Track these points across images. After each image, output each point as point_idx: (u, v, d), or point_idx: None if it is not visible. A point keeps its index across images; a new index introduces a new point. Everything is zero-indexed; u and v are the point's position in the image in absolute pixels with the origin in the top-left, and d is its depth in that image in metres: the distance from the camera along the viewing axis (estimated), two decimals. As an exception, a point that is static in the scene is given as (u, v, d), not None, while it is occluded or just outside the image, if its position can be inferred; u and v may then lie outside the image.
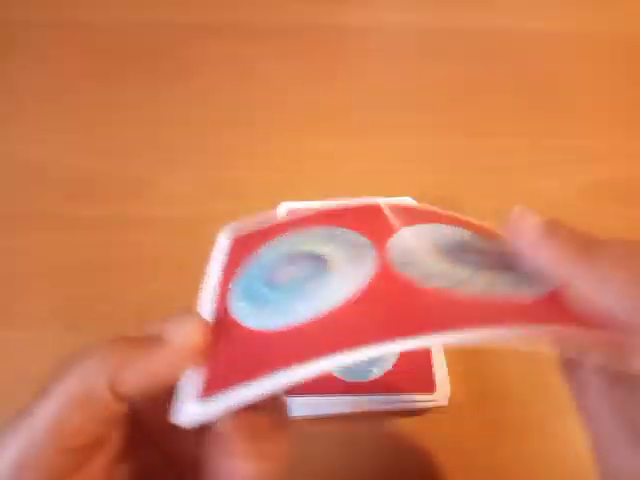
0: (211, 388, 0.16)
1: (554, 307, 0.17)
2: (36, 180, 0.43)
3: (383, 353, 0.15)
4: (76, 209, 0.41)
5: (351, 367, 0.32)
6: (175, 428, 0.15)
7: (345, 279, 0.18)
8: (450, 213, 0.23)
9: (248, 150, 0.44)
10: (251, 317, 0.18)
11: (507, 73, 0.50)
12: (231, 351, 0.17)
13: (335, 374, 0.31)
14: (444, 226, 0.22)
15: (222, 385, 0.16)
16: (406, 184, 0.42)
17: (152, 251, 0.39)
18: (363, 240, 0.20)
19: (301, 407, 0.31)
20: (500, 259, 0.19)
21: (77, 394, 0.15)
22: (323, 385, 0.31)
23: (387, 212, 0.22)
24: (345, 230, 0.21)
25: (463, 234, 0.21)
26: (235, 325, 0.18)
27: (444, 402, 0.31)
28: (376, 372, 0.31)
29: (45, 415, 0.15)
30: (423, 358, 0.32)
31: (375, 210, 0.23)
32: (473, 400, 0.33)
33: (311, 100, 0.48)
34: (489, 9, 0.55)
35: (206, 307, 0.19)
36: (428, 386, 0.31)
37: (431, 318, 0.16)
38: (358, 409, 0.31)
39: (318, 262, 0.20)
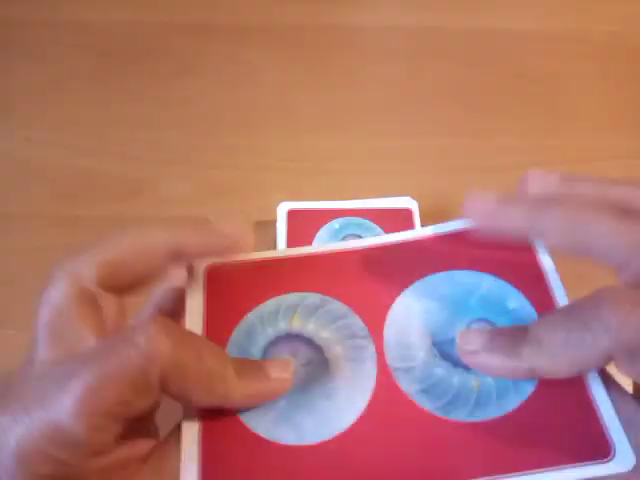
0: None
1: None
2: (36, 180, 0.43)
3: None
4: (76, 209, 0.41)
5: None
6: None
7: (350, 395, 0.18)
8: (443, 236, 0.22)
9: (248, 150, 0.44)
10: (255, 419, 0.18)
11: (507, 73, 0.50)
12: (233, 455, 0.17)
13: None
14: (435, 280, 0.21)
15: None
16: (406, 184, 0.42)
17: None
18: (361, 328, 0.20)
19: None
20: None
21: (69, 297, 0.17)
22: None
23: (381, 263, 0.22)
24: (340, 307, 0.21)
25: (452, 288, 0.20)
26: (237, 423, 0.18)
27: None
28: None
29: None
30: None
31: (369, 259, 0.22)
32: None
33: (311, 100, 0.48)
34: (489, 9, 0.55)
35: None
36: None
37: (445, 465, 0.16)
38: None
39: (318, 356, 0.19)
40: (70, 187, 0.42)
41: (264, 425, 0.18)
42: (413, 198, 0.38)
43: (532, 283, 0.20)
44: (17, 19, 0.53)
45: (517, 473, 0.16)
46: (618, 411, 0.17)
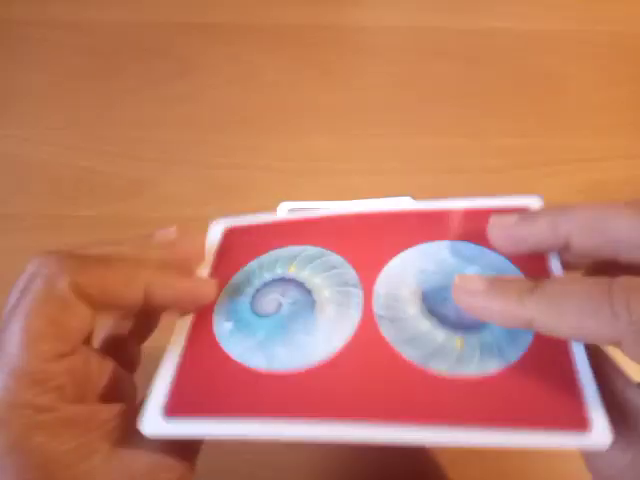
0: (179, 406, 0.17)
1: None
2: (36, 180, 0.43)
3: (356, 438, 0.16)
4: (76, 209, 0.41)
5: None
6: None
7: (329, 333, 0.19)
8: (448, 210, 0.22)
9: (248, 150, 0.44)
10: (233, 344, 0.19)
11: (507, 73, 0.50)
12: (206, 372, 0.18)
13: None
14: (436, 247, 0.21)
15: (190, 408, 0.17)
16: (406, 184, 0.42)
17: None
18: (353, 278, 0.21)
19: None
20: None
21: (42, 301, 0.17)
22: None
23: (378, 230, 0.22)
24: (339, 260, 0.21)
25: (452, 258, 0.21)
26: (216, 346, 0.19)
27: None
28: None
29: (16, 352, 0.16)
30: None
31: (374, 224, 0.23)
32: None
33: (311, 100, 0.48)
34: (489, 9, 0.55)
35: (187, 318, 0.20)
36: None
37: (415, 405, 0.17)
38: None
39: (306, 297, 0.20)
40: (70, 187, 0.42)
41: (240, 350, 0.19)
42: (413, 198, 0.38)
43: (532, 263, 0.20)
44: (17, 19, 0.53)
45: (485, 428, 0.16)
46: (609, 384, 0.17)
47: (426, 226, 0.22)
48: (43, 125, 0.46)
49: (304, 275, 0.21)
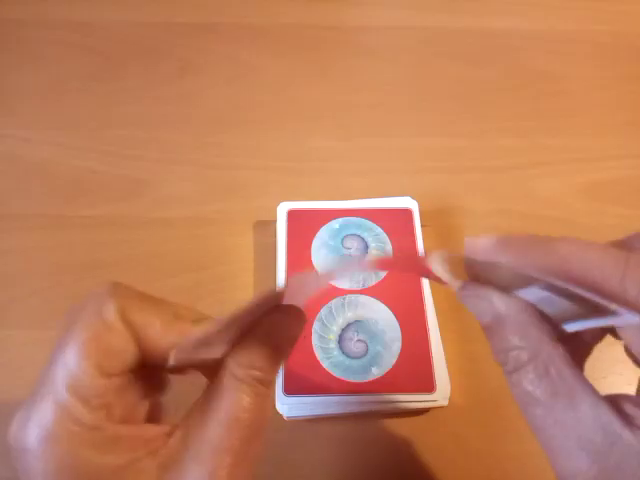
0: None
1: None
2: (36, 180, 0.43)
3: None
4: (76, 209, 0.41)
5: (351, 367, 0.32)
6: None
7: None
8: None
9: (248, 150, 0.44)
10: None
11: (507, 73, 0.50)
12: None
13: (335, 374, 0.31)
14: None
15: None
16: (406, 184, 0.42)
17: (152, 251, 0.39)
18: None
19: (301, 407, 0.31)
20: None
21: (93, 327, 0.17)
22: (323, 385, 0.31)
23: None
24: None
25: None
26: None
27: (444, 402, 0.31)
28: (376, 372, 0.31)
29: (64, 373, 0.16)
30: (423, 358, 0.32)
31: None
32: (473, 400, 0.33)
33: (311, 100, 0.48)
34: (489, 9, 0.55)
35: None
36: (428, 386, 0.31)
37: None
38: (358, 409, 0.31)
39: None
40: (70, 187, 0.42)
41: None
42: (413, 198, 0.38)
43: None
44: (17, 19, 0.53)
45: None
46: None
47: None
48: (43, 125, 0.46)
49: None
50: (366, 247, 0.36)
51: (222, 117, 0.46)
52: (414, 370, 0.32)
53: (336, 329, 0.33)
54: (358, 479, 0.31)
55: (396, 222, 0.37)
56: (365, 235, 0.37)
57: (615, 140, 0.45)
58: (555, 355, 0.16)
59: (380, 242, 0.36)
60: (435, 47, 0.52)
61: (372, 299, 0.34)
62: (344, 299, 0.34)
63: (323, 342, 0.32)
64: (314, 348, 0.32)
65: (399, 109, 0.47)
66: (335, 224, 0.37)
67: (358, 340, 0.33)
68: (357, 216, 0.37)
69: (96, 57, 0.51)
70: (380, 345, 0.32)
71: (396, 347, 0.32)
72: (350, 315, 0.33)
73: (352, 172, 0.43)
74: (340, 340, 0.33)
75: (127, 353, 0.17)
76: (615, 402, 0.16)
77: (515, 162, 0.44)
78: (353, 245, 0.36)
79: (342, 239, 0.36)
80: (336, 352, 0.32)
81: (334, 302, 0.34)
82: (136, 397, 0.18)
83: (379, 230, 0.37)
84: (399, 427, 0.32)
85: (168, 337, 0.18)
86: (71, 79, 0.49)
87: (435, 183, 0.42)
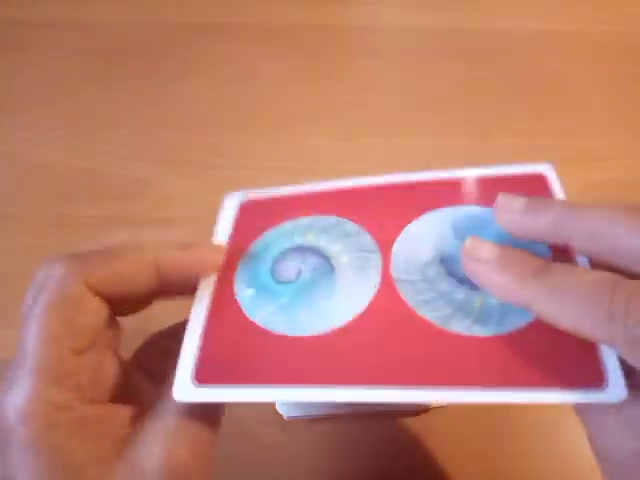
0: (208, 372, 0.18)
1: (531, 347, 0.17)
2: (36, 180, 0.43)
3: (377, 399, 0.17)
4: (76, 209, 0.41)
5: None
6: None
7: (349, 295, 0.19)
8: (462, 178, 0.24)
9: (248, 150, 0.44)
10: (256, 310, 0.20)
11: (507, 73, 0.50)
12: (231, 338, 0.19)
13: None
14: (452, 212, 0.22)
15: (219, 375, 0.18)
16: (406, 184, 0.42)
17: (152, 251, 0.39)
18: (370, 243, 0.21)
19: (301, 407, 0.31)
20: None
21: (56, 302, 0.17)
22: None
23: (395, 199, 0.23)
24: (356, 228, 0.22)
25: (467, 221, 0.21)
26: (240, 313, 0.20)
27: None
28: None
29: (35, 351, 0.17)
30: None
31: (384, 194, 0.23)
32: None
33: (311, 100, 0.48)
34: (489, 9, 0.55)
35: (209, 285, 0.21)
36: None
37: (433, 367, 0.17)
38: (358, 409, 0.31)
39: (325, 263, 0.21)
40: (70, 187, 0.42)
41: (263, 316, 0.19)
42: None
43: None
44: (17, 19, 0.53)
45: (506, 387, 0.16)
46: None
47: (442, 193, 0.23)
48: (43, 125, 0.46)
49: (322, 243, 0.21)
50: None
51: (222, 117, 0.46)
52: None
53: None
54: (358, 479, 0.31)
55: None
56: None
57: (615, 140, 0.45)
58: None
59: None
60: (436, 47, 0.52)
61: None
62: None
63: None
64: None
65: (399, 109, 0.47)
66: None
67: None
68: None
69: (96, 57, 0.51)
70: None
71: None
72: None
73: (352, 172, 0.42)
74: None
75: (96, 326, 0.18)
76: None
77: (515, 162, 0.44)
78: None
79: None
80: None
81: None
82: (109, 374, 0.18)
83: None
84: (399, 427, 0.32)
85: (143, 273, 0.19)
86: (71, 79, 0.49)
87: (435, 183, 0.42)
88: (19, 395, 0.16)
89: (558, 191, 0.22)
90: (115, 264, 0.18)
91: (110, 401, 0.18)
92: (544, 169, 0.23)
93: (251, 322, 0.19)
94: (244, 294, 0.20)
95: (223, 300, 0.20)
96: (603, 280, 0.15)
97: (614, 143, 0.45)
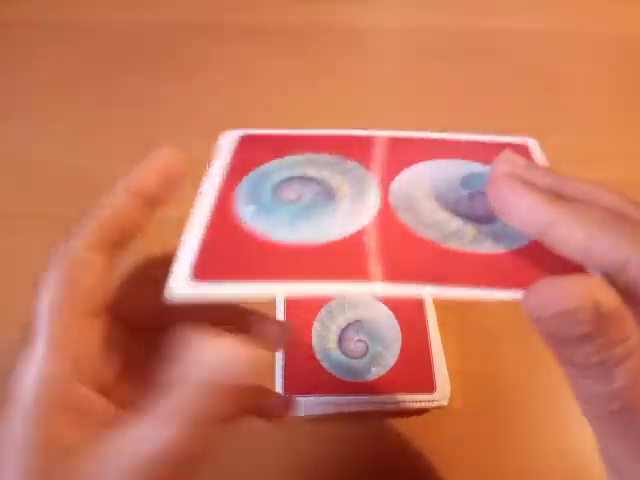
0: (205, 272, 0.18)
1: (532, 260, 0.18)
2: (36, 180, 0.43)
3: (367, 291, 0.17)
4: (76, 209, 0.41)
5: (351, 367, 0.32)
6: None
7: (350, 213, 0.20)
8: (456, 139, 0.26)
9: (248, 150, 0.44)
10: (256, 219, 0.20)
11: (507, 73, 0.50)
12: (230, 242, 0.19)
13: (335, 374, 0.31)
14: (447, 162, 0.23)
15: (216, 274, 0.17)
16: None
17: (152, 251, 0.39)
18: (371, 177, 0.22)
19: (301, 407, 0.31)
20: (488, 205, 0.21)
21: (61, 267, 0.18)
22: (323, 385, 0.31)
23: (395, 148, 0.24)
24: (356, 165, 0.22)
25: (462, 170, 0.23)
26: (238, 223, 0.20)
27: (444, 402, 0.31)
28: (376, 372, 0.31)
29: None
30: (423, 357, 0.32)
31: (385, 143, 0.24)
32: (473, 400, 0.33)
33: (311, 100, 0.48)
34: (489, 9, 0.55)
35: (206, 201, 0.22)
36: (428, 386, 0.31)
37: (424, 268, 0.18)
38: (358, 409, 0.31)
39: (327, 190, 0.21)
40: (70, 187, 0.42)
41: (263, 226, 0.19)
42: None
43: None
44: (17, 20, 0.53)
45: (500, 288, 0.17)
46: None
47: (440, 146, 0.24)
48: (43, 125, 0.46)
49: (324, 174, 0.22)
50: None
51: (222, 117, 0.46)
52: (414, 370, 0.32)
53: (336, 329, 0.33)
54: (358, 479, 0.31)
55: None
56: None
57: (615, 140, 0.45)
58: None
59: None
60: (435, 47, 0.52)
61: (372, 299, 0.34)
62: (344, 299, 0.34)
63: (323, 342, 0.32)
64: (314, 348, 0.32)
65: (399, 109, 0.47)
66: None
67: (358, 340, 0.33)
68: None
69: (97, 57, 0.51)
70: (380, 345, 0.32)
71: (396, 347, 0.32)
72: (350, 315, 0.33)
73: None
74: (340, 340, 0.33)
75: (101, 286, 0.19)
76: None
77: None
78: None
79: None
80: (336, 352, 0.32)
81: (334, 302, 0.34)
82: (110, 357, 0.19)
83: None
84: (399, 427, 0.32)
85: (131, 206, 0.21)
86: (72, 79, 0.49)
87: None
88: (29, 373, 0.16)
89: (540, 159, 0.24)
90: (103, 218, 0.20)
91: (113, 375, 0.19)
92: (529, 142, 0.25)
93: (251, 230, 0.19)
94: (245, 210, 0.20)
95: (222, 214, 0.20)
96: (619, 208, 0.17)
97: (614, 143, 0.45)
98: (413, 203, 0.21)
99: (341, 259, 0.18)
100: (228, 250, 0.19)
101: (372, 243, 0.19)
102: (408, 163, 0.23)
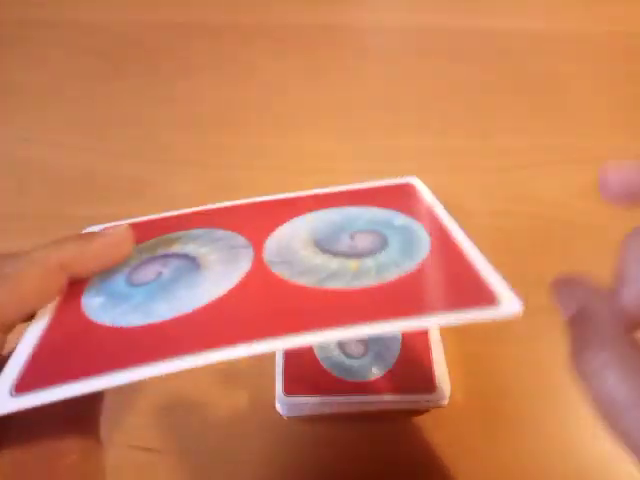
0: (32, 378, 0.16)
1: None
2: (36, 180, 0.43)
3: (240, 356, 0.15)
4: (76, 209, 0.41)
5: (351, 367, 0.32)
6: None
7: (215, 280, 0.18)
8: (333, 192, 0.24)
9: (248, 150, 0.44)
10: (104, 314, 0.17)
11: (507, 73, 0.50)
12: (68, 341, 0.17)
13: (335, 374, 0.31)
14: (325, 211, 0.23)
15: (42, 380, 0.16)
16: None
17: None
18: (242, 241, 0.20)
19: (301, 407, 0.31)
20: (378, 237, 0.20)
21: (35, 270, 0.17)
22: (323, 385, 0.31)
23: (267, 210, 0.23)
24: (226, 232, 0.21)
25: (341, 215, 0.22)
26: (83, 319, 0.17)
27: (444, 402, 0.31)
28: (376, 372, 0.31)
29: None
30: (423, 358, 0.32)
31: (263, 206, 0.24)
32: (473, 400, 0.33)
33: (311, 100, 0.48)
34: (489, 9, 0.55)
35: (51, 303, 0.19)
36: (428, 386, 0.31)
37: (301, 315, 0.16)
38: (358, 409, 0.31)
39: (189, 263, 0.19)
40: (70, 187, 0.42)
41: (111, 316, 0.17)
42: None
43: (418, 210, 0.22)
44: (17, 19, 0.53)
45: (396, 318, 0.15)
46: None
47: (313, 202, 0.24)
48: (43, 125, 0.46)
49: (189, 248, 0.20)
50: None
51: (222, 117, 0.46)
52: (414, 370, 0.32)
53: None
54: (358, 479, 0.31)
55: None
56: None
57: (615, 140, 0.45)
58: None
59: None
60: (435, 47, 0.52)
61: None
62: None
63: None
64: (314, 348, 0.32)
65: (399, 109, 0.47)
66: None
67: (358, 340, 0.33)
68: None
69: (96, 57, 0.51)
70: (380, 345, 0.32)
71: (396, 347, 0.32)
72: None
73: (352, 172, 0.43)
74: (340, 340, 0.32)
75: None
76: None
77: (515, 162, 0.44)
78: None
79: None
80: (336, 352, 0.32)
81: None
82: None
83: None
84: (399, 427, 0.32)
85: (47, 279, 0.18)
86: (71, 79, 0.49)
87: (435, 183, 0.42)
88: None
89: (429, 197, 0.24)
90: (14, 287, 0.17)
91: None
92: (412, 180, 0.25)
93: (95, 324, 0.17)
94: (92, 303, 0.18)
95: (66, 314, 0.18)
96: None
97: (614, 143, 0.45)
98: (290, 254, 0.19)
99: (202, 327, 0.16)
100: (63, 348, 0.17)
101: (238, 302, 0.17)
102: (282, 220, 0.22)
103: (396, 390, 0.31)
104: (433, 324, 0.15)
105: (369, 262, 0.18)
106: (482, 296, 0.16)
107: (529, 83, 0.49)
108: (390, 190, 0.24)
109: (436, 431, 0.32)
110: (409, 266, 0.18)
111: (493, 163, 0.44)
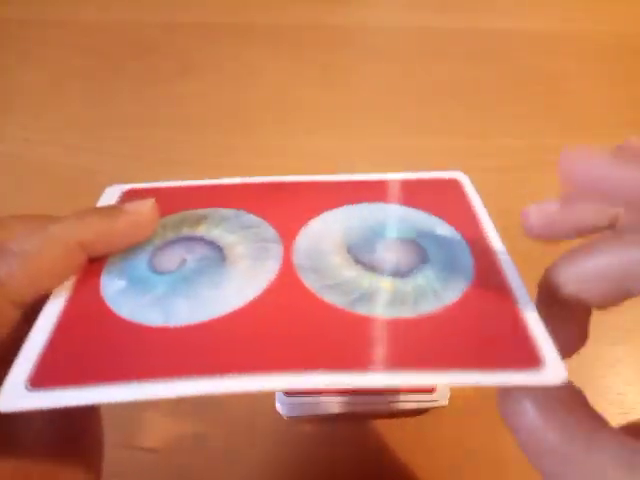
0: (48, 374, 0.15)
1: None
2: (36, 180, 0.43)
3: (261, 389, 0.14)
4: (76, 209, 0.41)
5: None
6: None
7: (240, 285, 0.17)
8: (376, 180, 0.22)
9: (248, 150, 0.44)
10: (124, 303, 0.16)
11: (507, 73, 0.50)
12: (85, 335, 0.16)
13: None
14: (363, 207, 0.20)
15: (62, 376, 0.14)
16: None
17: None
18: (272, 233, 0.19)
19: (301, 407, 0.31)
20: (419, 249, 0.18)
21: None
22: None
23: (302, 194, 0.21)
24: (254, 218, 0.19)
25: (391, 215, 0.20)
26: (102, 308, 0.16)
27: (444, 402, 0.31)
28: None
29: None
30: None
31: (295, 189, 0.21)
32: (473, 400, 0.33)
33: (311, 100, 0.48)
34: (489, 9, 0.55)
35: (67, 282, 0.17)
36: (428, 386, 0.31)
37: (324, 353, 0.15)
38: (358, 409, 0.31)
39: (215, 254, 0.18)
40: (70, 187, 0.42)
41: (131, 308, 0.16)
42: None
43: (463, 219, 0.20)
44: (17, 19, 0.53)
45: (428, 370, 0.14)
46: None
47: (350, 191, 0.21)
48: (43, 125, 0.46)
49: (215, 234, 0.19)
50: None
51: (222, 116, 0.46)
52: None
53: None
54: (358, 479, 0.31)
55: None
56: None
57: (615, 140, 0.45)
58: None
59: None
60: (435, 47, 0.52)
61: None
62: None
63: None
64: None
65: (399, 109, 0.47)
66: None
67: None
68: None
69: (96, 57, 0.51)
70: None
71: None
72: None
73: (352, 172, 0.43)
74: None
75: (9, 334, 0.16)
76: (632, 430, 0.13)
77: (515, 162, 0.44)
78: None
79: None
80: None
81: None
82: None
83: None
84: (399, 427, 0.32)
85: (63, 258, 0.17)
86: (71, 79, 0.49)
87: (435, 183, 0.42)
88: None
89: (475, 200, 0.21)
90: (30, 267, 0.16)
91: None
92: (457, 175, 0.23)
93: (115, 315, 0.16)
94: (112, 287, 0.17)
95: (85, 296, 0.17)
96: None
97: (614, 143, 0.45)
98: (320, 259, 0.18)
99: (227, 341, 0.15)
100: (81, 343, 0.15)
101: (266, 317, 0.16)
102: (314, 212, 0.20)
103: (396, 390, 0.31)
104: (467, 383, 0.13)
105: (406, 285, 0.17)
106: (526, 356, 0.14)
107: (529, 83, 0.49)
108: (433, 186, 0.21)
109: (436, 431, 0.32)
110: (449, 297, 0.16)
111: (493, 163, 0.44)
